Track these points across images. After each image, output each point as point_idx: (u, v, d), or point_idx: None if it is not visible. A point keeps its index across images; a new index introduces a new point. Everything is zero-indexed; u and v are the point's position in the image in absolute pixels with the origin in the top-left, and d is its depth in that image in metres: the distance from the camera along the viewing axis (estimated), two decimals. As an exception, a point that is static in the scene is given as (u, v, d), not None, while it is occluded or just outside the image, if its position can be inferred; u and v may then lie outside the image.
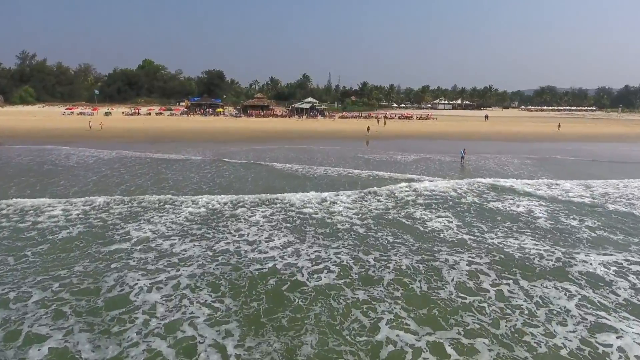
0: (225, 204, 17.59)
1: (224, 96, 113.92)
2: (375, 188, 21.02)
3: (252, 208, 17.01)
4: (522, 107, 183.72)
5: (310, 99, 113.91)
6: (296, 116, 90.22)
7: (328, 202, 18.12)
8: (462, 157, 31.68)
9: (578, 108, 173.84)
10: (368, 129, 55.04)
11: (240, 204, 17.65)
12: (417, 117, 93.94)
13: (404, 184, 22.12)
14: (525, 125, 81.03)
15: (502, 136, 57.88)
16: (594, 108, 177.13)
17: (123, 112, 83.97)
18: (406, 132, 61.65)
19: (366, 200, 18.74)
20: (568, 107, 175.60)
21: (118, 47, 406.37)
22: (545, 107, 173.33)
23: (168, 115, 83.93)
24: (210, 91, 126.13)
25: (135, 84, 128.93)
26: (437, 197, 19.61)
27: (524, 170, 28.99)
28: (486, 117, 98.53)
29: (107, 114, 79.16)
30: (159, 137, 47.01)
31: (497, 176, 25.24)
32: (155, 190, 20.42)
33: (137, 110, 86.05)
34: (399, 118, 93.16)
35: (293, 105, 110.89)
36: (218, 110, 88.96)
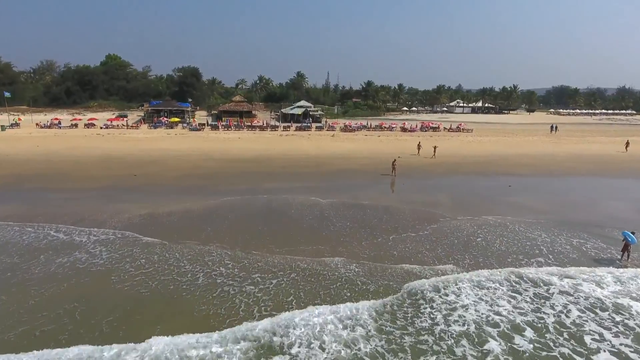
0: None
1: (190, 99, 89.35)
2: None
3: None
4: (551, 110, 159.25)
5: (303, 103, 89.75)
6: (282, 127, 66.12)
7: None
8: (628, 246, 14.70)
9: (614, 112, 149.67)
10: (394, 165, 30.23)
11: None
12: (444, 128, 69.71)
13: None
14: (589, 140, 58.02)
15: (593, 165, 36.66)
16: (633, 112, 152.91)
17: (37, 124, 59.69)
18: (447, 158, 37.96)
19: None
20: (604, 111, 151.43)
21: (102, 43, 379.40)
22: (578, 111, 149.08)
23: (102, 126, 59.79)
24: (183, 92, 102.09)
25: (89, 84, 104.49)
26: None
27: None
28: (553, 128, 70.31)
29: (5, 127, 54.60)
30: (40, 176, 27.87)
31: None
32: None
33: (56, 120, 61.54)
34: (421, 129, 68.90)
35: (282, 111, 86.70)
36: (173, 120, 64.51)
